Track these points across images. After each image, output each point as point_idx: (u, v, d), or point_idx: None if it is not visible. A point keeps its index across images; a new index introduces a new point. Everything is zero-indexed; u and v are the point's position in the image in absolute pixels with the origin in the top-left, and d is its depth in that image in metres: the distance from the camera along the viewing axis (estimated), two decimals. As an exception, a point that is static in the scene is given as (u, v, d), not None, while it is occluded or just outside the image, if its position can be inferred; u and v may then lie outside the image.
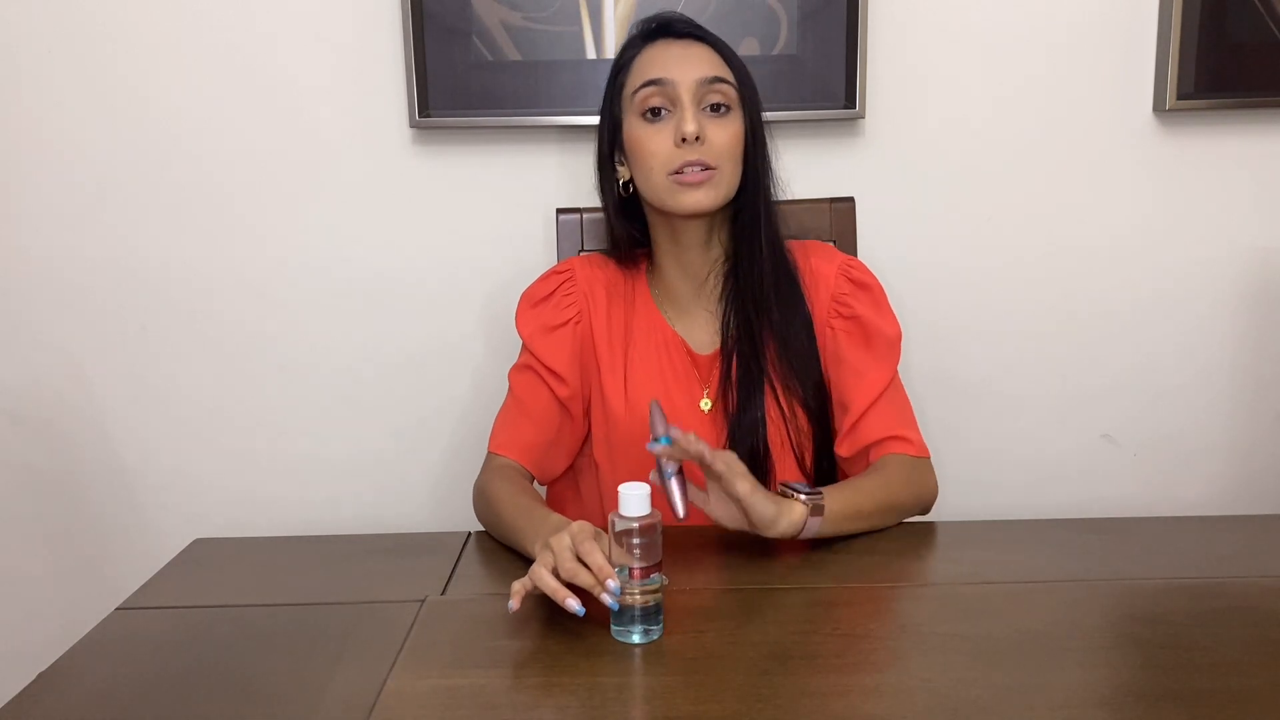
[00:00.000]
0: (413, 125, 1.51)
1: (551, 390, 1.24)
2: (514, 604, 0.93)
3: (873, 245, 1.49)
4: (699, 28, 1.20)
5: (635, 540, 0.89)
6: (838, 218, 1.44)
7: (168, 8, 1.51)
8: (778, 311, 1.21)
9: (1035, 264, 1.61)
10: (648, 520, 0.90)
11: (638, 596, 0.90)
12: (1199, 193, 1.59)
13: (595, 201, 1.45)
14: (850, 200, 1.45)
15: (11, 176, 1.55)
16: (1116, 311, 1.62)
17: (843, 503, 1.10)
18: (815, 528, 1.07)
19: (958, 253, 1.60)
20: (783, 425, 1.21)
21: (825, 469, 1.26)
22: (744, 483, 1.02)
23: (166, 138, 1.54)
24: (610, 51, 1.50)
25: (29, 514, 1.65)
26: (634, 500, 0.90)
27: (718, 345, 1.24)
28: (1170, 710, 0.79)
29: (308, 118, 1.54)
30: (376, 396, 1.62)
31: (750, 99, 1.19)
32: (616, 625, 0.91)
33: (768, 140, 1.21)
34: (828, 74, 1.51)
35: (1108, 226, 1.60)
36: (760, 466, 1.20)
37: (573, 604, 0.90)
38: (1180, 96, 1.52)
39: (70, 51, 1.52)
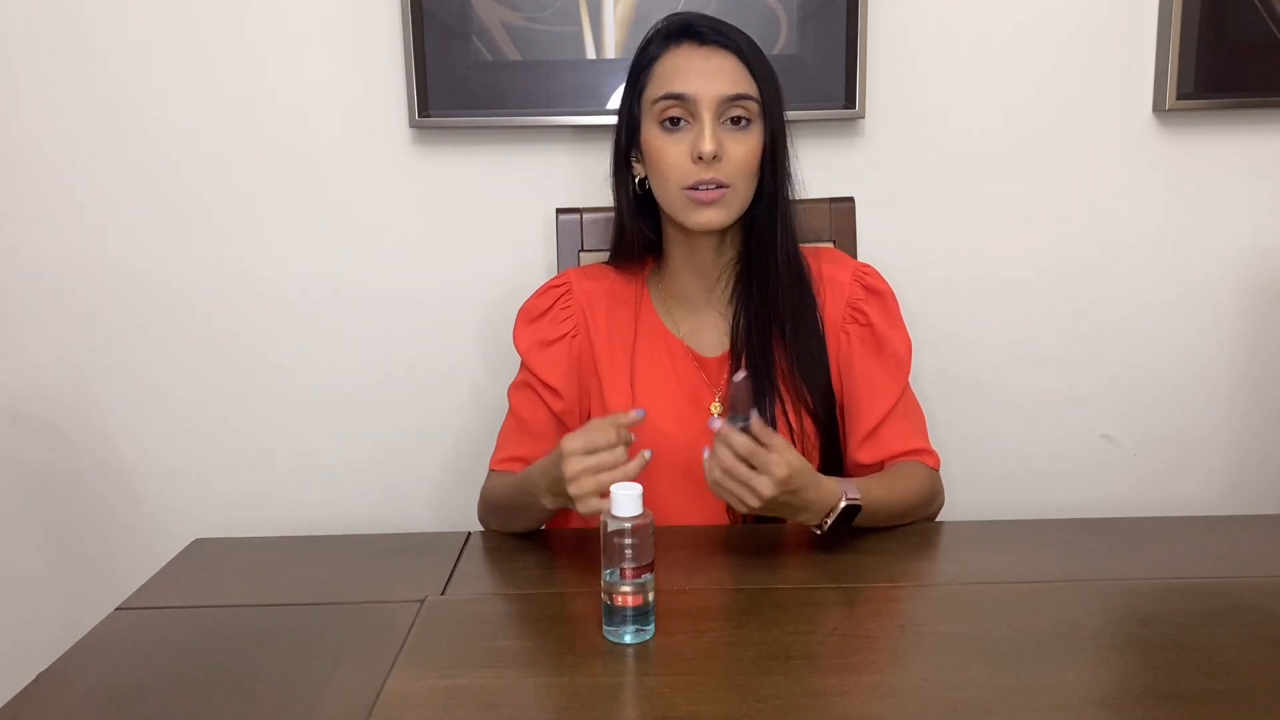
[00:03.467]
0: (413, 125, 1.51)
1: (548, 405, 1.24)
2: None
3: (872, 245, 1.49)
4: (724, 34, 1.16)
5: (627, 540, 0.89)
6: (838, 218, 1.44)
7: (168, 8, 1.51)
8: (789, 317, 1.21)
9: (1034, 264, 1.60)
10: (640, 521, 0.90)
11: (630, 596, 0.90)
12: (1199, 193, 1.59)
13: (595, 201, 1.45)
14: (850, 200, 1.45)
15: (12, 177, 1.55)
16: (1116, 311, 1.62)
17: (869, 510, 1.10)
18: (847, 501, 1.07)
19: (957, 252, 1.60)
20: (789, 429, 1.20)
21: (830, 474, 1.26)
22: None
23: (166, 138, 1.54)
24: (610, 51, 1.50)
25: (29, 514, 1.65)
26: (626, 501, 0.90)
27: (727, 347, 1.23)
28: (1170, 710, 0.79)
29: (308, 118, 1.54)
30: (377, 396, 1.62)
31: (773, 107, 1.17)
32: (608, 625, 0.91)
33: (789, 145, 1.19)
34: (828, 74, 1.51)
35: (1107, 226, 1.60)
36: None
37: (634, 465, 0.98)
38: (1180, 96, 1.52)
39: (69, 52, 1.52)
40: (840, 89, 1.51)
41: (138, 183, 1.56)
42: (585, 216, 1.43)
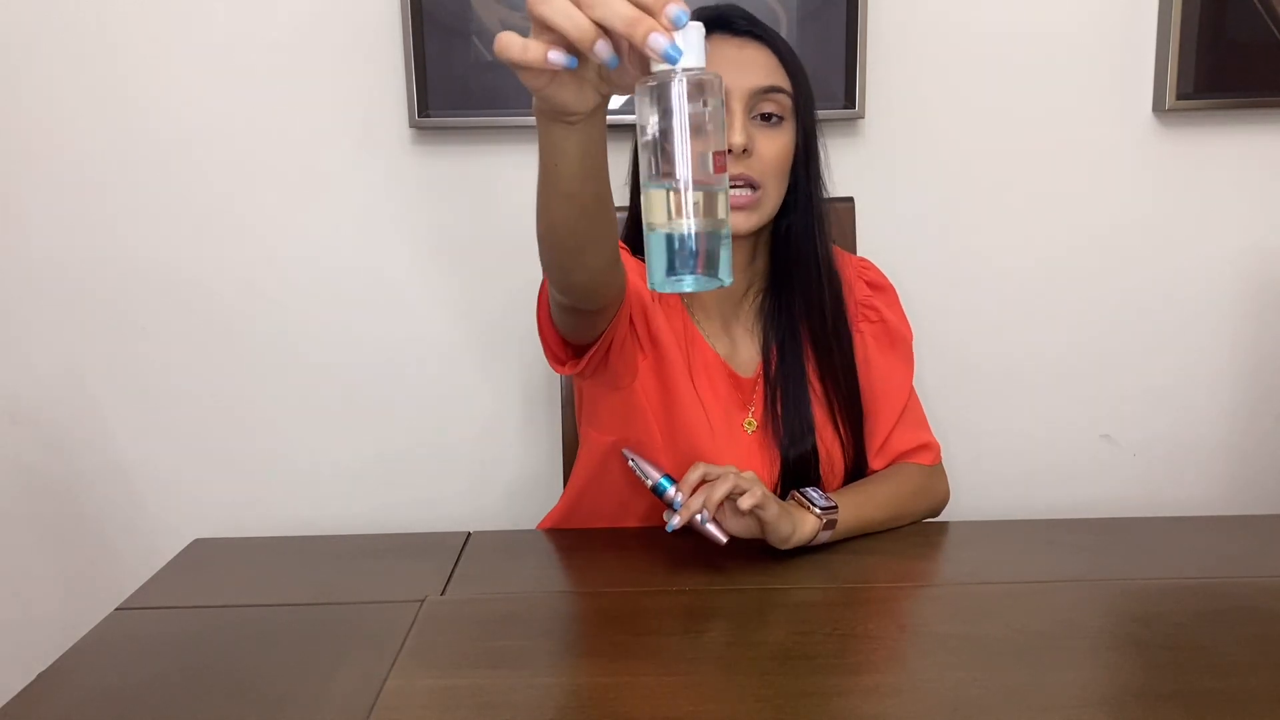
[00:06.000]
0: (413, 125, 1.51)
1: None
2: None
3: (872, 245, 1.49)
4: (759, 25, 1.12)
5: (683, 110, 0.59)
6: (837, 218, 1.43)
7: (168, 7, 1.51)
8: (830, 327, 1.17)
9: (1034, 264, 1.61)
10: (704, 77, 0.59)
11: (691, 212, 0.57)
12: (1199, 193, 1.59)
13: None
14: (850, 200, 1.45)
15: (11, 176, 1.55)
16: (1116, 311, 1.62)
17: (855, 512, 1.10)
18: (824, 538, 1.08)
19: (957, 253, 1.60)
20: (830, 440, 1.18)
21: (859, 473, 1.25)
22: (772, 507, 1.02)
23: (167, 137, 1.54)
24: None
25: (29, 514, 1.65)
26: (679, 40, 0.58)
27: (759, 364, 1.19)
28: (1170, 710, 0.79)
29: (307, 118, 1.54)
30: (377, 396, 1.62)
31: (806, 107, 1.12)
32: (659, 271, 0.61)
33: (820, 147, 1.15)
34: (828, 74, 1.51)
35: (1107, 226, 1.60)
36: (810, 481, 1.17)
37: (557, 56, 0.60)
38: (1180, 96, 1.52)
39: (69, 51, 1.52)
40: (840, 89, 1.51)
41: (138, 182, 1.56)
42: (585, 216, 1.43)
